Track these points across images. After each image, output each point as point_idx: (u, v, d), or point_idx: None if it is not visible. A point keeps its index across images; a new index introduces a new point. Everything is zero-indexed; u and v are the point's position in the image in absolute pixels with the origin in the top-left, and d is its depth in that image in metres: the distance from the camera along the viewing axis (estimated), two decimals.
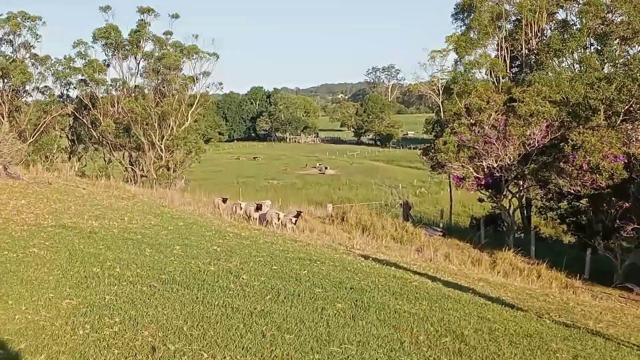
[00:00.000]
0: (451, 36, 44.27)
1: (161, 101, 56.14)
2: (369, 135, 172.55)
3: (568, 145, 30.08)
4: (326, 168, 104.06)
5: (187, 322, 7.80)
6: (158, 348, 6.79)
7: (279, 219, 24.80)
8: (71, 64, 55.56)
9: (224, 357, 6.64)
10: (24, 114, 53.31)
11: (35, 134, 52.79)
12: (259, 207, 26.54)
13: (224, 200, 29.17)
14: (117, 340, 7.03)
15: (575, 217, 36.30)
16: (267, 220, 25.28)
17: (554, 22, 43.74)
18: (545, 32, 43.19)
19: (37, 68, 53.51)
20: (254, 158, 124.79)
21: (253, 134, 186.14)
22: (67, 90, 57.83)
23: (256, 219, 25.98)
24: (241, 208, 27.64)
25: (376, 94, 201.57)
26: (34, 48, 53.95)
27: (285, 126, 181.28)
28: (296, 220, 25.31)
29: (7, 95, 51.69)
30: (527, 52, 42.96)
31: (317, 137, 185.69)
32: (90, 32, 65.82)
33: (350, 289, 10.59)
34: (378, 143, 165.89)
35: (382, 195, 64.28)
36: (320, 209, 40.02)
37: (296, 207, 32.40)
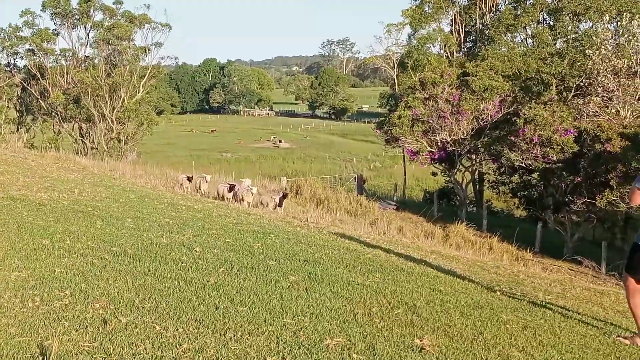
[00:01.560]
0: (407, 10, 44.35)
1: (112, 72, 55.31)
2: (323, 109, 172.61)
3: (520, 119, 30.48)
4: (280, 141, 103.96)
5: (138, 295, 7.70)
6: (109, 320, 6.69)
7: (252, 195, 23.45)
8: (17, 33, 54.29)
9: (177, 330, 6.58)
10: None
11: None
12: (232, 188, 24.74)
13: (189, 179, 27.05)
14: (68, 313, 6.91)
15: (526, 191, 36.91)
16: (240, 198, 23.86)
17: None
18: (499, 7, 43.50)
19: None
20: (212, 131, 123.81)
21: (206, 107, 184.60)
22: (15, 59, 56.57)
23: (229, 199, 24.44)
24: (206, 182, 26.21)
25: (331, 67, 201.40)
26: None
27: (239, 99, 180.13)
28: (281, 201, 23.99)
29: None
30: (481, 26, 43.24)
31: (272, 110, 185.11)
32: (38, 3, 64.28)
33: (304, 261, 10.59)
34: (333, 117, 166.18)
35: (336, 169, 64.61)
36: (274, 182, 39.95)
37: (250, 180, 32.28)
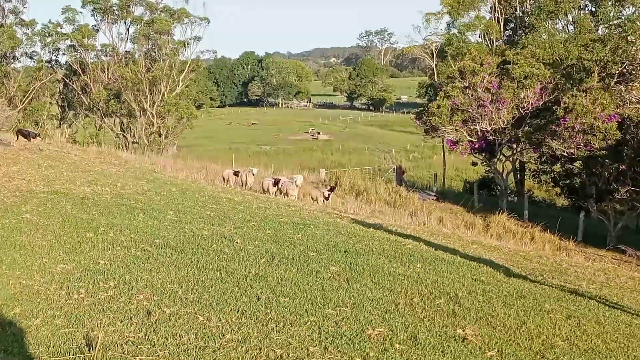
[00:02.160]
0: None
1: (152, 67, 55.81)
2: (361, 100, 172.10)
3: (560, 108, 30.03)
4: (319, 133, 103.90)
5: (181, 286, 7.79)
6: (153, 311, 6.79)
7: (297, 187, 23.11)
8: (58, 30, 55.06)
9: (220, 320, 6.65)
10: (13, 80, 52.92)
11: (24, 101, 52.48)
12: (276, 182, 24.19)
13: (236, 173, 26.29)
14: (112, 304, 7.03)
15: (568, 180, 36.40)
16: (284, 192, 23.51)
17: None
18: None
19: (26, 34, 53.00)
20: (252, 123, 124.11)
21: (245, 100, 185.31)
22: (56, 56, 57.39)
23: (274, 193, 23.84)
24: (253, 175, 25.75)
25: (369, 57, 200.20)
26: (22, 14, 53.45)
27: (277, 91, 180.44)
28: (329, 195, 23.84)
29: None
30: (521, 14, 42.67)
31: (310, 102, 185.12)
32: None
33: (345, 252, 10.60)
34: (371, 108, 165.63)
35: (375, 160, 64.25)
36: (313, 174, 40.00)
37: (290, 173, 32.34)
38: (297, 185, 23.24)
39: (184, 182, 21.31)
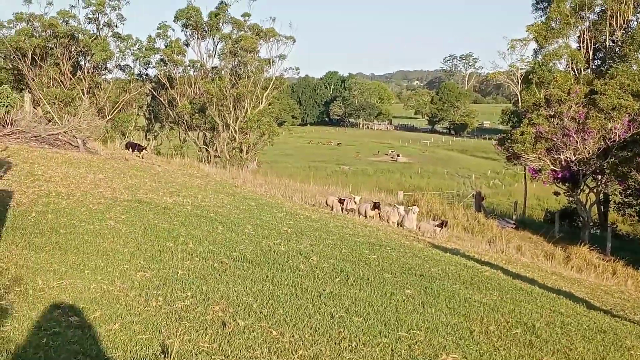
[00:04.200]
0: (532, 25, 43.26)
1: (237, 83, 56.67)
2: (443, 124, 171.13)
3: None
4: (398, 155, 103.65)
5: (256, 300, 7.86)
6: (228, 323, 6.86)
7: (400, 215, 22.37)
8: (151, 44, 56.63)
9: (293, 336, 6.67)
10: (104, 91, 54.61)
11: (113, 111, 54.07)
12: (376, 206, 23.64)
13: (341, 201, 25.14)
14: (189, 314, 7.14)
15: None
16: (385, 218, 22.89)
17: None
18: (631, 23, 41.77)
19: (119, 47, 54.65)
20: (338, 144, 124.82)
21: (326, 119, 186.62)
22: (146, 69, 58.97)
23: (372, 217, 23.21)
24: (355, 203, 24.80)
25: (452, 82, 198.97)
26: (117, 27, 55.16)
27: (358, 112, 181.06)
28: (441, 230, 22.52)
29: (88, 71, 53.03)
30: (611, 43, 41.65)
31: (391, 124, 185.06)
32: (169, 13, 66.01)
33: (420, 275, 10.50)
34: (452, 132, 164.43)
35: (454, 185, 63.66)
36: (391, 196, 39.82)
37: (367, 194, 32.32)
38: (399, 213, 22.73)
39: (262, 197, 21.54)
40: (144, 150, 27.98)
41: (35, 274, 8.03)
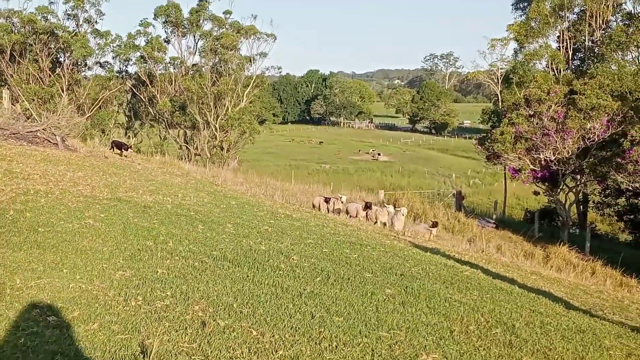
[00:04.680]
0: (512, 25, 43.51)
1: (217, 80, 56.58)
2: (424, 123, 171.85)
3: (627, 141, 29.40)
4: (379, 154, 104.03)
5: (237, 299, 7.83)
6: (208, 323, 6.83)
7: (388, 217, 22.18)
8: (131, 41, 56.37)
9: (273, 336, 6.65)
10: (83, 88, 54.30)
11: (93, 109, 53.79)
12: (368, 206, 23.57)
13: (327, 200, 25.18)
14: (168, 314, 7.10)
15: (633, 214, 35.52)
16: (374, 218, 22.84)
17: (620, 13, 42.52)
18: (610, 23, 42.09)
19: (98, 44, 54.33)
20: (319, 142, 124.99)
21: (307, 117, 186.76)
22: (126, 66, 58.72)
23: (363, 217, 23.24)
24: (342, 202, 24.75)
25: (433, 81, 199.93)
26: (97, 23, 54.85)
27: (339, 110, 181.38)
28: (435, 230, 22.77)
29: (68, 68, 52.68)
30: (590, 44, 41.96)
31: (372, 122, 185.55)
32: (151, 10, 66.04)
33: (401, 275, 10.51)
34: (433, 131, 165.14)
35: (434, 184, 63.97)
36: (371, 195, 39.91)
37: (348, 193, 32.34)
38: (388, 212, 22.64)
39: (243, 196, 21.49)
40: (129, 150, 28.41)
41: (13, 273, 7.95)
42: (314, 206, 25.22)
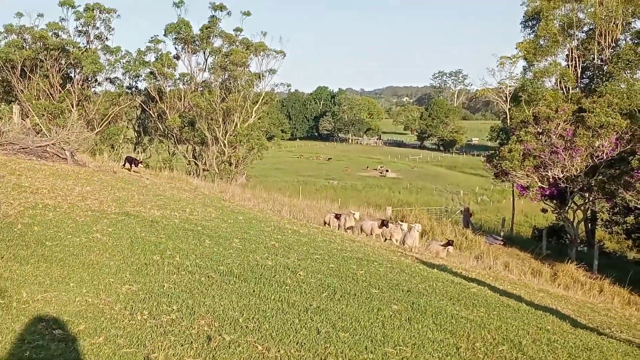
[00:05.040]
0: (521, 43, 43.54)
1: (227, 97, 56.77)
2: (432, 140, 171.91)
3: (635, 159, 29.32)
4: (387, 171, 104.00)
5: (242, 314, 7.82)
6: (214, 338, 6.83)
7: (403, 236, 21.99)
8: (142, 57, 56.65)
9: (278, 351, 6.64)
10: (93, 103, 54.57)
11: (102, 124, 54.03)
12: (384, 224, 23.31)
13: (338, 216, 25.00)
14: (174, 328, 7.10)
15: None
16: (389, 235, 22.71)
17: (629, 32, 42.51)
18: (619, 42, 42.07)
19: (108, 60, 54.63)
20: (328, 159, 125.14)
21: (316, 134, 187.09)
22: (136, 82, 58.99)
23: (379, 235, 23.10)
24: (355, 219, 24.53)
25: (442, 98, 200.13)
26: (107, 40, 55.21)
27: (348, 127, 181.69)
28: (451, 248, 22.61)
29: (78, 84, 52.98)
30: (599, 62, 41.93)
31: (380, 139, 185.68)
32: (161, 26, 66.60)
33: (407, 291, 10.49)
34: (441, 148, 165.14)
35: (442, 201, 63.81)
36: (379, 211, 39.86)
37: (356, 209, 32.31)
38: (402, 230, 22.43)
39: (250, 211, 21.50)
40: (140, 165, 28.85)
41: (20, 287, 7.97)
42: (324, 222, 25.06)
